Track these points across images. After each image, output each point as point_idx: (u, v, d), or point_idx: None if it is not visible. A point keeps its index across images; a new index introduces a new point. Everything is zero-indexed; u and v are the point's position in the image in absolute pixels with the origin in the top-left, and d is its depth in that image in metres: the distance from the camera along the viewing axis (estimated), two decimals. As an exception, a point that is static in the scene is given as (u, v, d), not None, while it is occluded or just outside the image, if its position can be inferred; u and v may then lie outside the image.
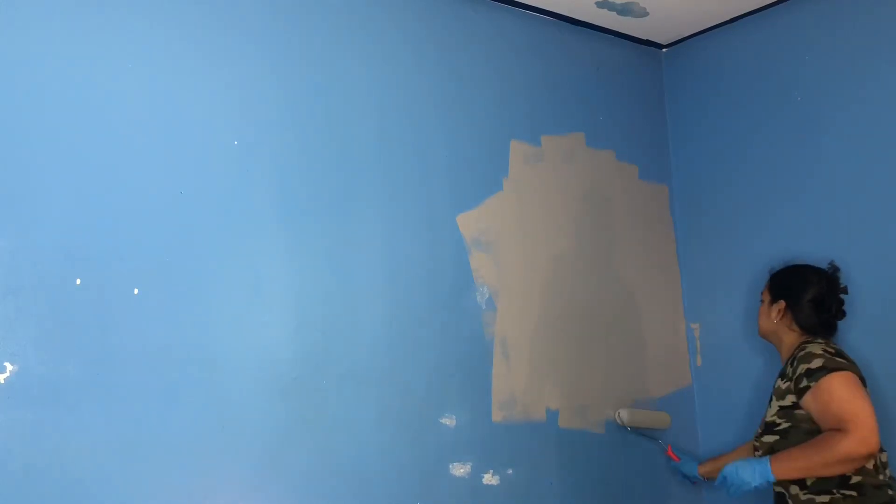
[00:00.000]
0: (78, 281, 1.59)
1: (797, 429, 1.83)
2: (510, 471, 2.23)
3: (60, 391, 1.54)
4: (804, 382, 1.81)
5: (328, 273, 1.96)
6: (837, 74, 2.41)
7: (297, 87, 1.98)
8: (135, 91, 1.72)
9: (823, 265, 2.21)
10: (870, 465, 1.76)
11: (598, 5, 2.51)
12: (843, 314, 2.03)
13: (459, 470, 2.12)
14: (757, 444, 1.96)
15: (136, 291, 1.66)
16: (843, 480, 1.76)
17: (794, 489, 1.82)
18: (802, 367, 1.83)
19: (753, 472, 1.84)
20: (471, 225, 2.26)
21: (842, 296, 2.04)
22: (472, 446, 2.16)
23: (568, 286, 2.49)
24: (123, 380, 1.62)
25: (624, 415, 2.47)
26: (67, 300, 1.57)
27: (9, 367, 1.50)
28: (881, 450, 1.81)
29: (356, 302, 2.00)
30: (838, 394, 1.74)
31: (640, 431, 2.52)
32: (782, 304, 2.03)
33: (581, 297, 2.53)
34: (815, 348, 1.87)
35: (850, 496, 1.74)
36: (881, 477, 1.78)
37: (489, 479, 2.18)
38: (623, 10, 2.57)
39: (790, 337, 2.03)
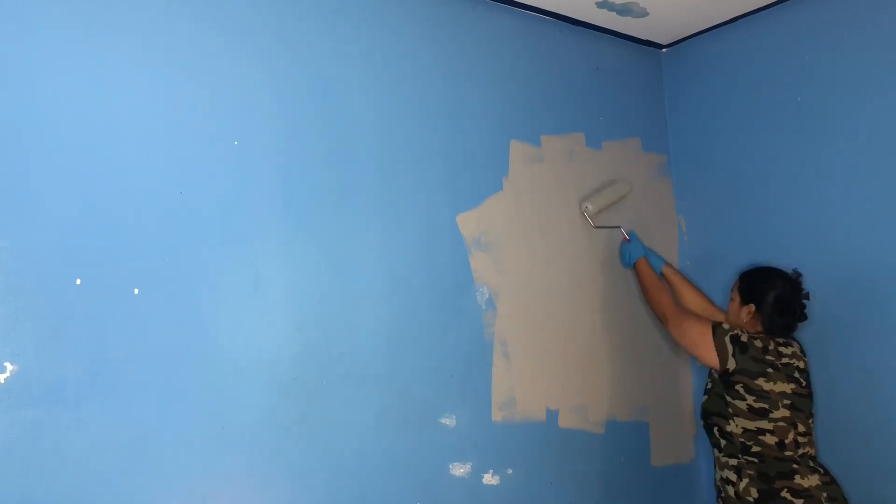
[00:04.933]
0: (78, 281, 1.59)
1: (713, 388, 2.20)
2: (510, 471, 2.23)
3: (60, 391, 1.54)
4: None
5: (328, 273, 1.96)
6: (837, 75, 2.41)
7: (296, 88, 1.98)
8: (135, 91, 1.72)
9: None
10: (771, 442, 2.05)
11: (598, 5, 2.51)
12: (805, 317, 2.21)
13: (459, 470, 2.12)
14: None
15: (136, 291, 1.66)
16: (745, 449, 2.08)
17: (716, 452, 2.17)
18: None
19: (626, 254, 2.58)
20: (471, 225, 2.26)
21: (804, 301, 2.22)
22: (472, 446, 2.16)
23: (568, 286, 2.49)
24: (123, 380, 1.62)
25: (590, 206, 2.52)
26: (67, 300, 1.57)
27: (9, 367, 1.50)
28: (802, 435, 2.08)
29: (356, 302, 2.00)
30: (700, 318, 2.25)
31: (605, 223, 2.59)
32: (752, 307, 2.21)
33: (581, 296, 2.53)
34: (737, 329, 2.17)
35: (752, 462, 2.06)
36: (787, 453, 2.06)
37: (489, 479, 2.18)
38: (623, 10, 2.57)
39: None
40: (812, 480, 2.01)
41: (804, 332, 2.45)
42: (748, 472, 2.05)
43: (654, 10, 2.57)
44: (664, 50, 2.96)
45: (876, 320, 2.29)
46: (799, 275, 2.25)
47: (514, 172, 2.41)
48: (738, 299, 2.28)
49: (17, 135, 1.57)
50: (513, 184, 2.40)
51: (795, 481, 2.00)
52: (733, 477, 2.08)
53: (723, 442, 2.12)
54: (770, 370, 2.09)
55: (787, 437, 2.05)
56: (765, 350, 2.12)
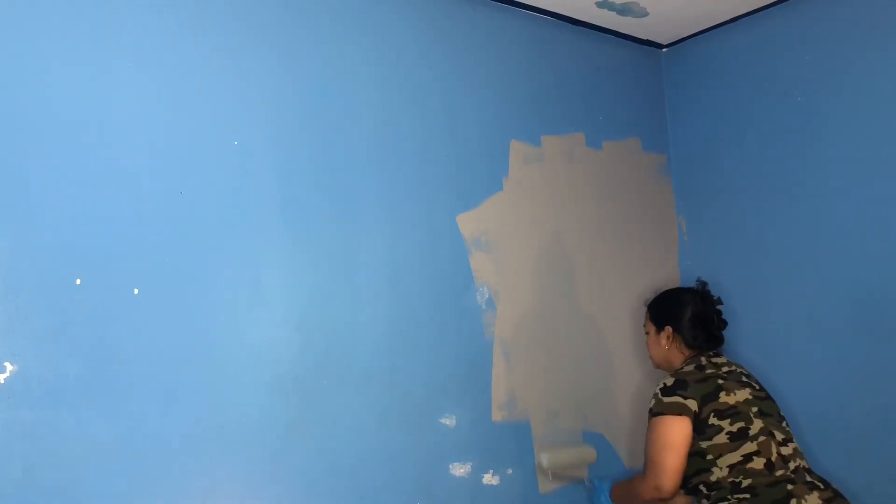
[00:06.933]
0: (78, 281, 1.59)
1: None
2: (510, 471, 2.23)
3: (60, 391, 1.54)
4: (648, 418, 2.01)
5: (328, 273, 1.96)
6: (837, 74, 2.41)
7: (296, 88, 1.98)
8: (135, 91, 1.72)
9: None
10: (759, 466, 1.84)
11: (598, 5, 2.51)
12: (724, 323, 2.14)
13: (459, 470, 2.12)
14: None
15: (136, 291, 1.66)
16: (734, 487, 1.84)
17: (704, 501, 1.91)
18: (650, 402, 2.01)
19: (600, 498, 2.22)
20: (471, 225, 2.26)
21: (718, 307, 2.15)
22: (472, 446, 2.16)
23: (568, 286, 2.49)
24: (123, 380, 1.62)
25: (544, 459, 2.26)
26: (67, 300, 1.57)
27: (9, 367, 1.49)
28: (783, 443, 1.89)
29: (356, 302, 2.00)
30: (650, 438, 1.94)
31: (563, 475, 2.33)
32: (669, 329, 2.12)
33: (581, 297, 2.53)
34: (663, 382, 2.00)
35: (745, 498, 1.81)
36: (777, 473, 1.84)
37: (489, 479, 2.18)
38: (623, 10, 2.57)
39: (679, 359, 2.12)
40: (812, 500, 1.78)
41: (805, 331, 2.45)
42: None
43: (654, 10, 2.57)
44: (664, 50, 2.96)
45: (878, 320, 2.29)
46: (704, 284, 2.19)
47: (514, 172, 2.40)
48: (652, 329, 2.18)
49: (17, 135, 1.56)
50: (513, 184, 2.39)
51: None
52: None
53: (712, 493, 1.88)
54: (721, 381, 1.95)
55: (771, 454, 1.86)
56: (699, 368, 1.99)
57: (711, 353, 2.08)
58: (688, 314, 2.11)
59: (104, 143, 1.67)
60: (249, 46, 1.91)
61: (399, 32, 2.20)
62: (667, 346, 2.12)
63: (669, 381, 1.97)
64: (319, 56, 2.03)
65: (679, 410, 1.90)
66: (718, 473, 1.86)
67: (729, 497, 1.84)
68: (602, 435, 2.49)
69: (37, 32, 1.62)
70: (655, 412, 1.94)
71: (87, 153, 1.64)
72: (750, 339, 2.56)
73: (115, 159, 1.67)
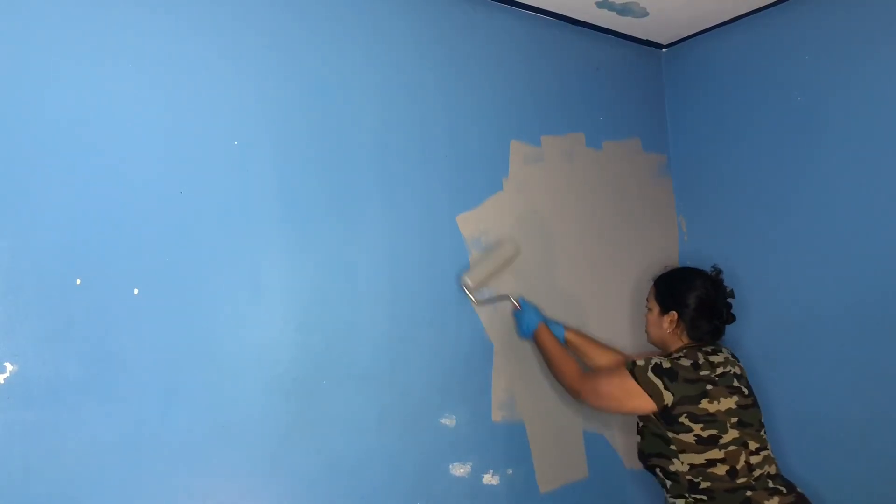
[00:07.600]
0: (78, 281, 1.59)
1: (647, 427, 1.97)
2: (510, 471, 2.23)
3: (60, 391, 1.54)
4: None
5: (328, 273, 1.96)
6: (837, 74, 2.41)
7: (297, 87, 1.98)
8: (134, 90, 1.72)
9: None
10: (721, 472, 1.83)
11: (598, 5, 2.51)
12: (732, 318, 2.07)
13: (459, 470, 2.12)
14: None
15: (136, 291, 1.66)
16: (692, 487, 1.87)
17: (663, 491, 1.95)
18: None
19: (523, 324, 2.22)
20: (471, 225, 2.26)
21: (729, 300, 2.06)
22: (472, 446, 2.16)
23: (568, 286, 2.49)
24: (123, 380, 1.62)
25: (469, 280, 2.15)
26: (67, 300, 1.57)
27: (9, 367, 1.49)
28: (755, 453, 1.89)
29: (356, 302, 2.00)
30: (615, 381, 1.93)
31: (491, 297, 2.25)
32: (674, 315, 2.04)
33: (581, 297, 2.53)
34: (661, 358, 1.95)
35: (702, 500, 1.85)
36: (739, 481, 1.84)
37: (489, 479, 2.18)
38: (623, 10, 2.57)
39: (676, 345, 2.07)
40: None
41: (811, 330, 2.45)
42: None
43: (654, 10, 2.57)
44: (664, 50, 2.96)
45: (878, 320, 2.29)
46: (719, 272, 2.09)
47: (514, 172, 2.41)
48: (656, 308, 2.09)
49: (17, 135, 1.56)
50: (513, 184, 2.40)
51: None
52: None
53: (668, 482, 1.91)
54: (710, 387, 1.88)
55: (738, 463, 1.84)
56: (695, 366, 1.91)
57: (710, 350, 2.00)
58: (696, 303, 2.02)
59: (104, 144, 1.66)
60: (249, 46, 1.91)
61: (399, 32, 2.20)
62: (668, 330, 2.05)
63: (666, 365, 1.91)
64: (319, 56, 2.03)
65: (651, 392, 1.88)
66: (679, 466, 1.88)
67: (686, 495, 1.87)
68: (602, 435, 2.49)
69: (37, 32, 1.61)
70: (636, 374, 1.91)
71: (88, 153, 1.64)
72: (750, 339, 2.57)
73: (115, 159, 1.67)
